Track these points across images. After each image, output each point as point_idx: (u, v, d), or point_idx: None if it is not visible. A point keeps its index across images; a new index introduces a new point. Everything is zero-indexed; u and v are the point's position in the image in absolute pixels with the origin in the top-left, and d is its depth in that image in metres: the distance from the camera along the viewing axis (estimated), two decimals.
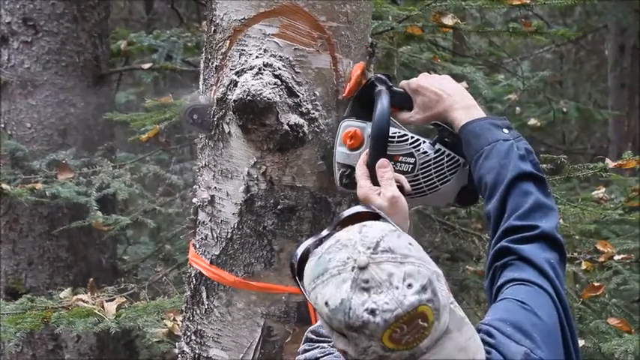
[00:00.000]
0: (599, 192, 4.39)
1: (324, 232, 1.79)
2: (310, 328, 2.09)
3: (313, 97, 2.29)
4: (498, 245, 2.08)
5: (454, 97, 2.28)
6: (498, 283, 2.04)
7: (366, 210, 1.82)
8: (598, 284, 3.95)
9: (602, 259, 4.06)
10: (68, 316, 3.42)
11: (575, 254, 4.07)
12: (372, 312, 1.61)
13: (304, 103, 2.28)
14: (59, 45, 4.90)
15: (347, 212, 1.83)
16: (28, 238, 4.85)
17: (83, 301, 3.60)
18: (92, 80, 5.02)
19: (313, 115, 2.29)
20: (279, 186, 2.32)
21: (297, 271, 1.78)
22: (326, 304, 1.65)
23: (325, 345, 2.01)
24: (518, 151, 2.17)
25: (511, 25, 4.18)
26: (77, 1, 4.94)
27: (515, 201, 2.12)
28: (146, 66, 5.32)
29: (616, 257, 4.07)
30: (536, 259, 2.03)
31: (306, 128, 2.27)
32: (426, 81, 2.32)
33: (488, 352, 1.78)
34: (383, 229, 1.70)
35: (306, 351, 2.04)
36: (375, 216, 1.81)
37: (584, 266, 4.00)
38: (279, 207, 2.32)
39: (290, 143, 2.28)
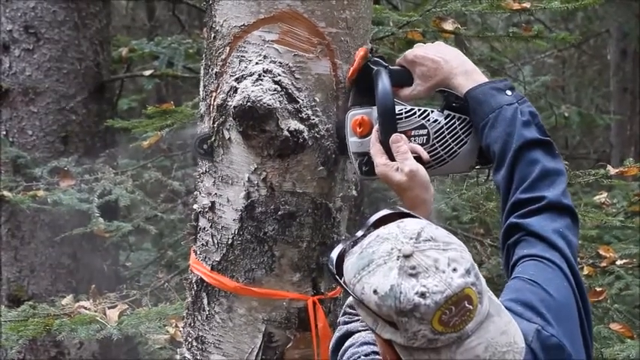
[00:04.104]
0: (601, 197, 4.38)
1: (359, 234, 1.81)
2: (347, 302, 2.11)
3: (313, 103, 2.29)
4: (508, 222, 2.11)
5: (452, 63, 2.27)
6: (512, 262, 2.07)
7: (395, 211, 1.84)
8: (600, 289, 3.94)
9: (604, 264, 4.06)
10: (70, 323, 3.42)
11: (577, 259, 4.05)
12: (423, 295, 1.65)
13: (304, 109, 2.27)
14: (60, 52, 4.92)
15: (378, 215, 1.84)
16: (30, 245, 4.86)
17: (85, 307, 3.59)
18: (93, 87, 5.04)
19: (313, 121, 2.29)
20: (279, 192, 2.32)
21: (336, 271, 1.80)
22: (374, 291, 1.68)
23: None
24: (522, 117, 2.17)
25: (511, 30, 4.17)
26: (78, 8, 4.95)
27: (521, 171, 2.13)
28: (147, 73, 5.34)
29: (618, 262, 4.07)
30: (544, 232, 2.05)
31: (306, 134, 2.27)
32: (421, 50, 2.31)
33: None
34: (420, 222, 1.75)
35: (346, 323, 2.08)
36: (404, 215, 1.83)
37: (586, 271, 3.99)
38: (279, 213, 2.32)
39: (290, 149, 2.28)
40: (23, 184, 4.60)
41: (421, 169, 2.19)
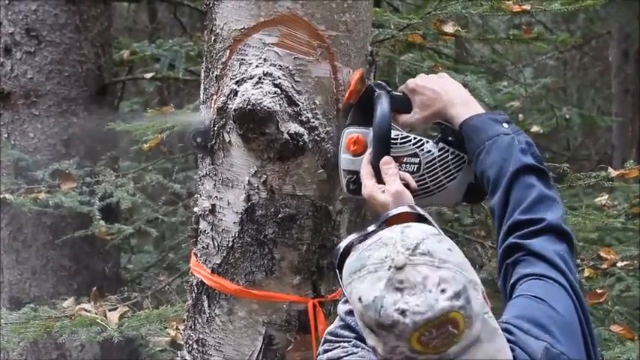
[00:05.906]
0: (602, 199, 4.39)
1: (371, 228, 1.80)
2: (328, 329, 2.07)
3: (313, 106, 2.30)
4: (507, 242, 2.09)
5: (452, 94, 2.29)
6: (511, 281, 2.04)
7: (411, 211, 1.82)
8: (601, 291, 3.94)
9: (605, 266, 4.06)
10: (71, 326, 3.44)
11: (578, 261, 4.06)
12: (403, 312, 1.62)
13: (304, 112, 2.28)
14: (62, 55, 4.92)
15: (395, 210, 1.84)
16: (31, 248, 4.86)
17: (86, 310, 3.61)
18: (95, 90, 5.04)
19: (313, 124, 2.29)
20: (279, 195, 2.32)
21: (339, 263, 1.80)
22: (359, 299, 1.67)
23: (346, 344, 1.98)
24: (519, 144, 2.18)
25: (512, 32, 4.18)
26: (80, 11, 4.96)
27: (518, 194, 2.12)
28: (148, 75, 5.35)
29: (619, 264, 4.07)
30: (545, 253, 2.03)
31: (306, 137, 2.28)
32: (423, 80, 2.34)
33: (512, 350, 1.79)
34: (425, 231, 1.72)
35: (326, 351, 2.01)
36: (420, 218, 1.82)
37: (587, 273, 3.99)
38: (279, 216, 2.32)
39: (290, 152, 2.28)
40: (25, 186, 4.60)
41: (407, 192, 2.19)
